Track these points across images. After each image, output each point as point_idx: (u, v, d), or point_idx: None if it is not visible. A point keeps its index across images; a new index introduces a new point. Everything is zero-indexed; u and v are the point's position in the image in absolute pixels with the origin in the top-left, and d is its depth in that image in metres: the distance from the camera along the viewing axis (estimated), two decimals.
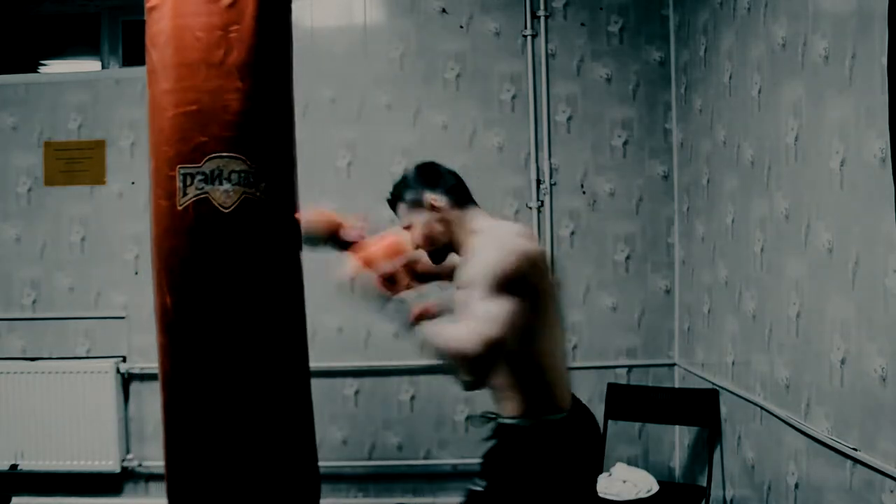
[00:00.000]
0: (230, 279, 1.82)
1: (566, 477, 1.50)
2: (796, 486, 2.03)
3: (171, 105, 1.82)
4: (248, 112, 1.82)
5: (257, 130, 1.85)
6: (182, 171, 1.80)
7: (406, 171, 1.70)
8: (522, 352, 1.48)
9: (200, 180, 1.79)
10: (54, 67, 3.71)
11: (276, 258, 1.90)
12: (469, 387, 1.41)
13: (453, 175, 1.68)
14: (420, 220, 1.62)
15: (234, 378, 1.82)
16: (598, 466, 1.67)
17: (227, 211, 1.79)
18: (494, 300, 1.38)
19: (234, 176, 1.80)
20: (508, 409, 1.54)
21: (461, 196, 1.64)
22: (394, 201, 1.68)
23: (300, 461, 1.95)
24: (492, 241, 1.50)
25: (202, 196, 1.79)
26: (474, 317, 1.38)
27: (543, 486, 1.49)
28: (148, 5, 1.91)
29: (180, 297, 1.83)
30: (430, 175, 1.65)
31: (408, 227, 1.65)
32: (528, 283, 1.42)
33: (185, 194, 1.80)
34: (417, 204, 1.62)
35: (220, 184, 1.79)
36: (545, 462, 1.49)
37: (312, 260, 3.21)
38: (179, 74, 1.82)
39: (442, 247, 1.64)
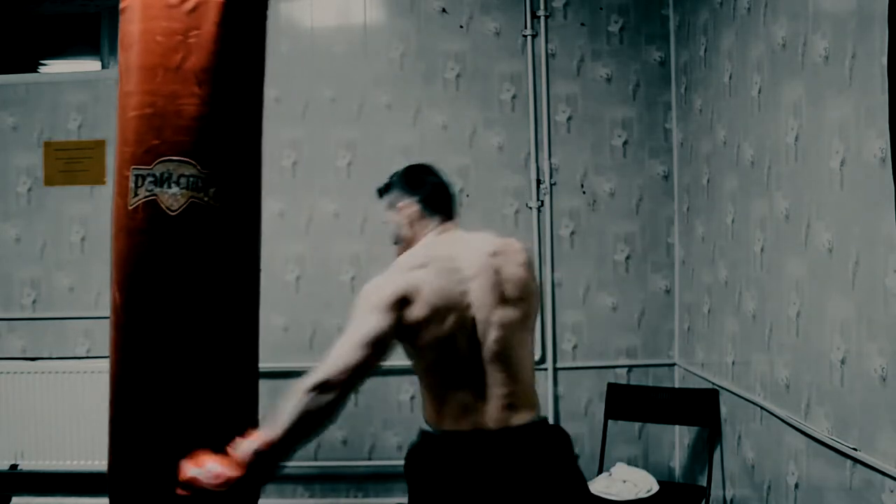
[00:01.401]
0: (175, 281, 1.84)
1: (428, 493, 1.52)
2: (796, 486, 2.03)
3: (131, 107, 1.86)
4: (202, 118, 1.83)
5: (211, 136, 1.85)
6: (134, 172, 1.83)
7: (398, 170, 1.77)
8: (417, 371, 1.56)
9: (150, 182, 1.81)
10: (54, 67, 3.70)
11: (224, 262, 1.90)
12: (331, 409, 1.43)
13: (438, 186, 1.72)
14: (393, 220, 1.72)
15: (175, 378, 1.84)
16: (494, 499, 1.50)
17: (173, 214, 1.81)
18: (356, 319, 1.46)
19: (182, 180, 1.81)
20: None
21: (434, 208, 1.69)
22: (380, 195, 1.78)
23: None
24: (394, 265, 1.58)
25: (151, 198, 1.82)
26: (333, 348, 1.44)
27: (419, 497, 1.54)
28: (121, 6, 1.92)
29: (127, 295, 1.86)
30: (413, 181, 1.72)
31: (386, 223, 1.76)
32: (384, 312, 1.45)
33: (135, 195, 1.83)
34: (393, 205, 1.72)
35: (169, 187, 1.81)
36: (414, 478, 1.57)
37: (312, 259, 3.22)
38: (140, 77, 1.85)
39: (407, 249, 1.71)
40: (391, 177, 1.75)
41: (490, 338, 1.51)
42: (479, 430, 1.49)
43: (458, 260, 1.55)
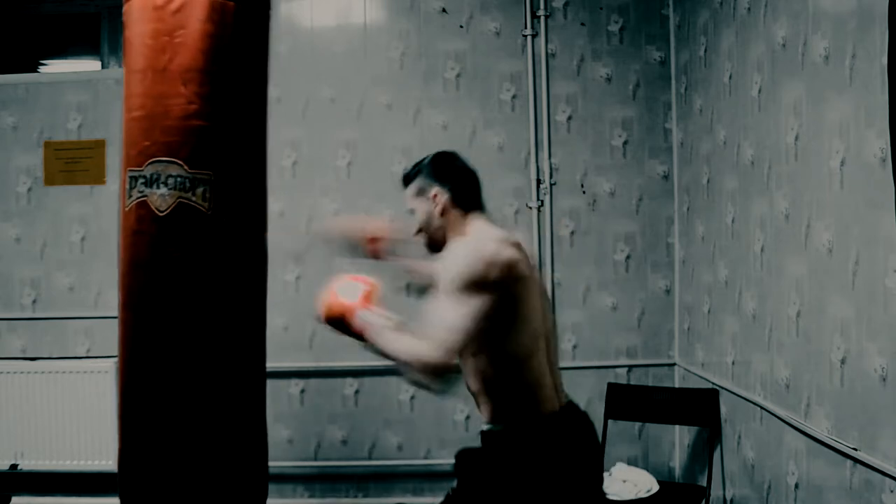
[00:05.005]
0: (168, 281, 1.85)
1: (542, 484, 1.46)
2: (796, 486, 2.03)
3: (129, 109, 1.89)
4: (188, 117, 1.83)
5: (199, 135, 1.85)
6: (129, 173, 1.86)
7: (427, 156, 1.71)
8: (493, 356, 1.49)
9: (142, 183, 1.83)
10: (54, 67, 3.70)
11: (218, 263, 1.90)
12: (433, 388, 1.44)
13: (468, 174, 1.69)
14: (421, 208, 1.65)
15: (176, 377, 1.86)
16: (594, 475, 1.61)
17: (162, 214, 1.82)
18: (455, 304, 1.41)
19: (170, 180, 1.83)
20: (484, 414, 1.56)
21: (466, 198, 1.65)
22: (405, 182, 1.71)
23: (248, 461, 1.97)
24: (463, 246, 1.53)
25: (142, 199, 1.83)
26: (431, 323, 1.41)
27: (514, 493, 1.46)
28: (123, 12, 1.94)
29: (126, 294, 1.88)
30: (444, 169, 1.67)
31: (411, 212, 1.69)
32: (493, 287, 1.43)
33: (130, 196, 1.86)
34: (422, 193, 1.65)
35: (158, 188, 1.83)
36: (517, 467, 1.47)
37: (312, 259, 3.22)
38: (134, 80, 1.88)
39: (434, 240, 1.66)
40: (418, 164, 1.69)
41: (549, 320, 1.62)
42: (571, 405, 1.60)
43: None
